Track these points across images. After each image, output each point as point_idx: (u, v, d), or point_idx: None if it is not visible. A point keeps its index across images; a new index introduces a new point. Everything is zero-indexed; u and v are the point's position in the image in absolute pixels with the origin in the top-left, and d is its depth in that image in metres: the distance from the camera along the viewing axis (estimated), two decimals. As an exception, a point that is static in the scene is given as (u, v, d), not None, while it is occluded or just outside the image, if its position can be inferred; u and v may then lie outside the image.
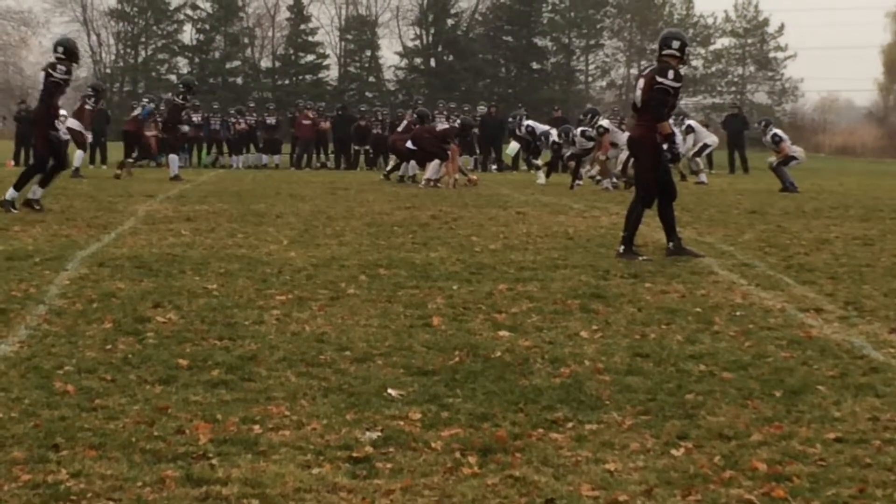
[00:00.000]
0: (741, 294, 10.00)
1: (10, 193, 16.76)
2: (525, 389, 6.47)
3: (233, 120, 40.88)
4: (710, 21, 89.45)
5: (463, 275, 10.81)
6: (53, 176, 17.12)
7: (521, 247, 13.12)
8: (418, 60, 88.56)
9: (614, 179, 25.93)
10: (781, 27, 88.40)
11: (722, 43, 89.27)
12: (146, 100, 35.82)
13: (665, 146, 12.60)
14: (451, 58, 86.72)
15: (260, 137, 40.98)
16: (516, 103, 56.53)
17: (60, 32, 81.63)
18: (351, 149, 40.58)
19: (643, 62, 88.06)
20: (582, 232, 15.00)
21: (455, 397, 6.29)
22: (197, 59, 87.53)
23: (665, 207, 12.62)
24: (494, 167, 38.91)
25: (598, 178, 26.75)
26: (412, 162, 27.99)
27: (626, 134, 26.16)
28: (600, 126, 26.65)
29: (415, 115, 30.71)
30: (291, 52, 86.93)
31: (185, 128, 31.81)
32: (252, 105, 49.05)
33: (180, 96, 28.66)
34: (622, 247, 12.40)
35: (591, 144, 26.94)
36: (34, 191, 16.87)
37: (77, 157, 28.33)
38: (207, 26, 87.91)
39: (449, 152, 26.30)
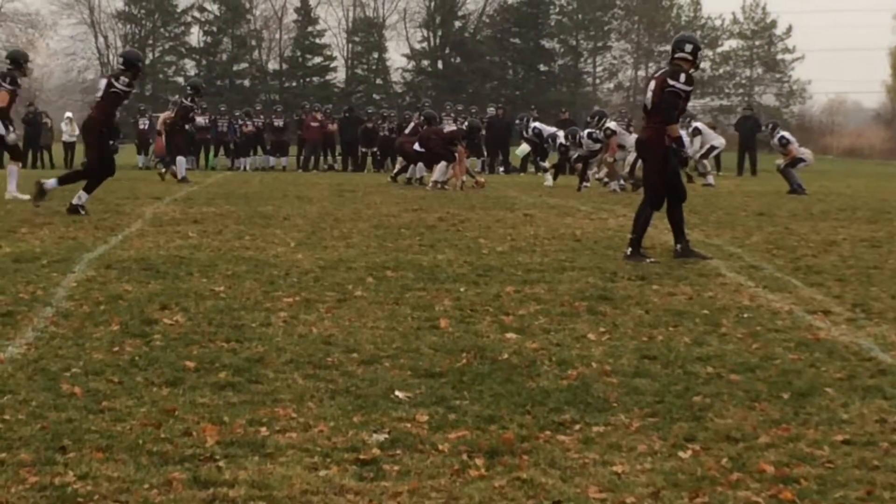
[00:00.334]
0: (749, 296, 9.98)
1: (81, 197, 16.92)
2: (532, 391, 6.47)
3: (240, 122, 40.90)
4: (717, 23, 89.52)
5: (470, 277, 10.80)
6: (99, 182, 17.14)
7: (528, 249, 13.12)
8: (425, 62, 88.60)
9: (622, 181, 25.91)
10: (789, 29, 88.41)
11: (730, 45, 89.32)
12: (178, 97, 35.91)
13: (673, 149, 12.59)
14: (458, 60, 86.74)
15: (267, 139, 40.99)
16: (524, 105, 56.49)
17: (67, 35, 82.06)
18: (358, 151, 40.60)
19: (651, 64, 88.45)
20: (589, 234, 14.99)
21: (462, 399, 6.28)
22: (204, 62, 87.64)
23: (674, 209, 12.61)
24: (502, 169, 38.90)
25: (606, 180, 26.74)
26: (420, 164, 28.00)
27: (634, 136, 26.19)
28: (607, 128, 26.64)
29: (422, 118, 30.72)
30: (299, 54, 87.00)
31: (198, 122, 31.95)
32: (259, 107, 49.02)
33: (189, 98, 28.71)
34: (630, 249, 12.39)
35: (598, 146, 26.94)
36: (79, 196, 17.00)
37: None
38: (215, 28, 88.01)
39: (456, 154, 26.29)
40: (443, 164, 26.06)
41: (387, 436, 5.56)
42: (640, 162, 25.23)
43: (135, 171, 34.71)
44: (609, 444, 5.50)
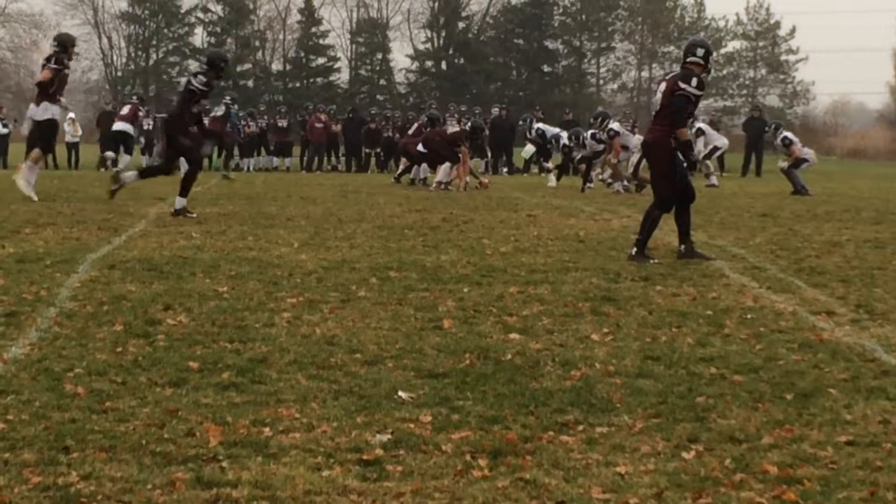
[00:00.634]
0: (752, 297, 9.98)
1: (179, 202, 17.10)
2: (536, 392, 6.47)
3: (243, 123, 40.89)
4: (721, 24, 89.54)
5: (473, 277, 10.80)
6: (191, 182, 17.40)
7: (531, 249, 13.12)
8: (429, 63, 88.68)
9: (625, 182, 25.92)
10: (793, 30, 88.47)
11: (733, 46, 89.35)
12: (228, 98, 35.91)
13: (681, 152, 12.59)
14: (461, 61, 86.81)
15: (271, 140, 41.00)
16: (527, 106, 56.49)
17: (72, 35, 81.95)
18: (362, 152, 40.62)
19: (654, 65, 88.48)
20: (593, 235, 14.99)
21: (465, 400, 6.28)
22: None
23: (682, 210, 12.61)
24: (505, 170, 38.91)
25: (609, 180, 26.74)
26: (423, 165, 28.01)
27: (637, 137, 26.22)
28: (610, 129, 26.63)
29: (425, 119, 30.74)
30: (302, 54, 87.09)
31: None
32: (263, 108, 49.04)
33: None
34: (634, 249, 12.38)
35: (601, 147, 26.94)
36: (177, 201, 17.17)
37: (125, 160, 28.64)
38: (218, 29, 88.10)
39: (460, 155, 26.31)
40: (447, 164, 26.07)
41: (390, 436, 5.56)
42: (643, 163, 25.33)
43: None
44: (612, 444, 5.50)
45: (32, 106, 19.95)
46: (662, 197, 12.61)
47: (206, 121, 19.78)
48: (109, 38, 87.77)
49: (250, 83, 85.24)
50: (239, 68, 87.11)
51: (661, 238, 13.80)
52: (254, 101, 70.27)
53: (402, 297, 9.61)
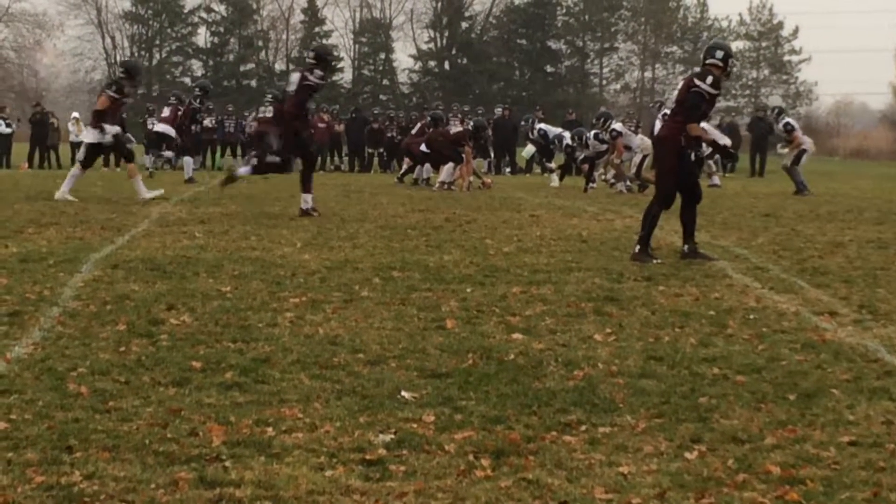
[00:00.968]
0: (755, 297, 9.98)
1: (306, 201, 17.53)
2: (538, 392, 6.47)
3: (243, 123, 40.90)
4: (724, 24, 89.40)
5: (476, 277, 10.80)
6: (309, 178, 17.83)
7: (534, 250, 13.12)
8: (432, 63, 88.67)
9: (628, 182, 25.92)
10: (796, 30, 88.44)
11: (736, 46, 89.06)
12: (270, 96, 35.95)
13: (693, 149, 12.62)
14: (464, 61, 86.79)
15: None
16: (530, 106, 56.47)
17: (74, 35, 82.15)
18: (365, 151, 40.61)
19: (657, 65, 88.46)
20: (596, 235, 14.99)
21: (468, 400, 6.29)
22: (211, 62, 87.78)
23: (687, 210, 12.61)
24: (508, 170, 38.91)
25: (612, 181, 26.74)
26: (426, 165, 28.02)
27: (640, 137, 26.21)
28: (613, 129, 26.61)
29: (428, 118, 30.75)
30: (305, 54, 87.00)
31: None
32: (267, 108, 48.99)
33: (197, 100, 28.80)
34: (638, 247, 12.39)
35: (604, 147, 26.93)
36: (304, 199, 17.54)
37: (186, 162, 28.64)
38: (222, 29, 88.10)
39: (463, 155, 26.31)
40: (450, 165, 26.07)
41: (393, 436, 5.56)
42: (646, 162, 25.33)
43: (141, 172, 34.69)
44: (615, 444, 5.50)
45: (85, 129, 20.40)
46: (664, 193, 12.61)
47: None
48: (113, 38, 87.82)
49: (253, 83, 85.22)
50: (242, 68, 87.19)
51: (664, 238, 13.80)
52: (257, 101, 70.30)
53: (405, 297, 9.62)
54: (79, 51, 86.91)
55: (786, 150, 27.10)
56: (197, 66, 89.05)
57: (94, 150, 20.03)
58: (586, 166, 27.49)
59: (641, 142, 26.12)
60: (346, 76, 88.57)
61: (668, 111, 34.31)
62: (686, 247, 12.54)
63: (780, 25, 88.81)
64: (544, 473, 5.05)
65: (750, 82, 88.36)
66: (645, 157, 25.81)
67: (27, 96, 72.91)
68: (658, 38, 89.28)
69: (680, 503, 4.75)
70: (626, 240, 13.98)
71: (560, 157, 31.89)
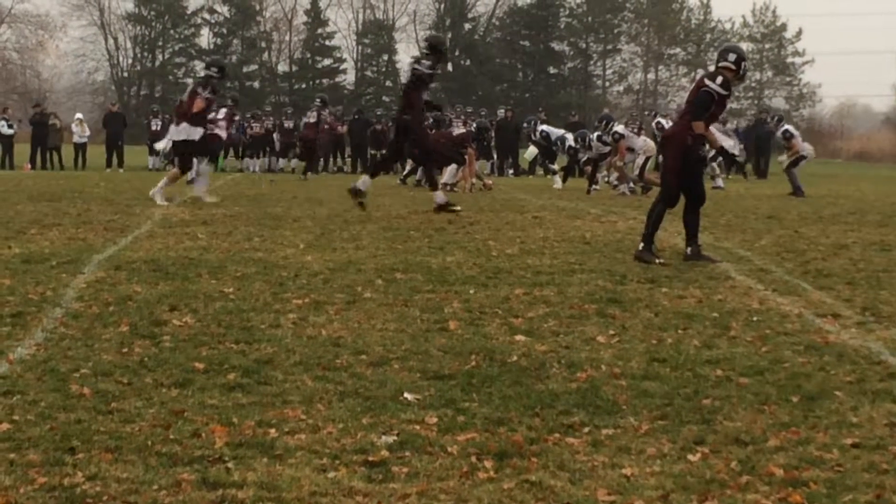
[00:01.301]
0: (758, 299, 9.97)
1: (439, 197, 17.89)
2: (541, 394, 6.47)
3: (244, 124, 40.94)
4: (727, 26, 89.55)
5: (479, 279, 10.80)
6: (434, 175, 18.48)
7: (537, 251, 13.11)
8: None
9: (631, 184, 25.92)
10: (799, 32, 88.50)
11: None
12: (319, 101, 36.04)
13: (725, 152, 12.64)
14: (468, 62, 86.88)
15: (277, 141, 41.01)
16: (533, 108, 56.51)
17: (77, 36, 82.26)
18: (367, 153, 40.61)
19: (660, 67, 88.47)
20: (599, 237, 14.98)
21: (471, 402, 6.28)
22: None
23: (690, 212, 12.62)
24: (511, 172, 38.90)
25: (615, 182, 26.74)
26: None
27: (642, 139, 26.23)
28: (615, 132, 26.62)
29: (431, 120, 30.79)
30: (308, 56, 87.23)
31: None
32: (269, 109, 49.06)
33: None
34: (642, 245, 12.39)
35: (607, 149, 26.94)
36: (436, 195, 17.90)
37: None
38: (225, 30, 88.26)
39: (466, 157, 26.31)
40: (452, 166, 26.07)
41: (395, 438, 5.56)
42: (649, 164, 25.36)
43: (144, 172, 34.75)
44: (618, 446, 5.50)
45: (173, 127, 20.37)
46: (668, 191, 12.64)
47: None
48: (116, 39, 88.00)
49: (256, 84, 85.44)
50: (245, 69, 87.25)
51: (667, 240, 13.80)
52: (260, 102, 70.38)
53: (407, 299, 9.61)
54: (81, 52, 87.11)
55: (784, 157, 27.18)
56: (200, 68, 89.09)
57: (190, 145, 19.99)
58: (589, 168, 27.49)
59: (644, 143, 26.14)
60: (348, 77, 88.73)
61: (661, 120, 34.51)
62: (689, 249, 12.53)
63: (784, 27, 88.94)
64: (547, 475, 5.05)
65: (753, 84, 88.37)
66: (648, 158, 25.83)
67: (30, 97, 72.95)
68: (661, 39, 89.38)
69: (683, 505, 4.75)
70: (629, 242, 13.97)
71: (562, 158, 31.87)
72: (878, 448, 5.52)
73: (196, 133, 19.55)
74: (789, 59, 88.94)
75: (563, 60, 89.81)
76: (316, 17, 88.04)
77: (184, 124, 19.59)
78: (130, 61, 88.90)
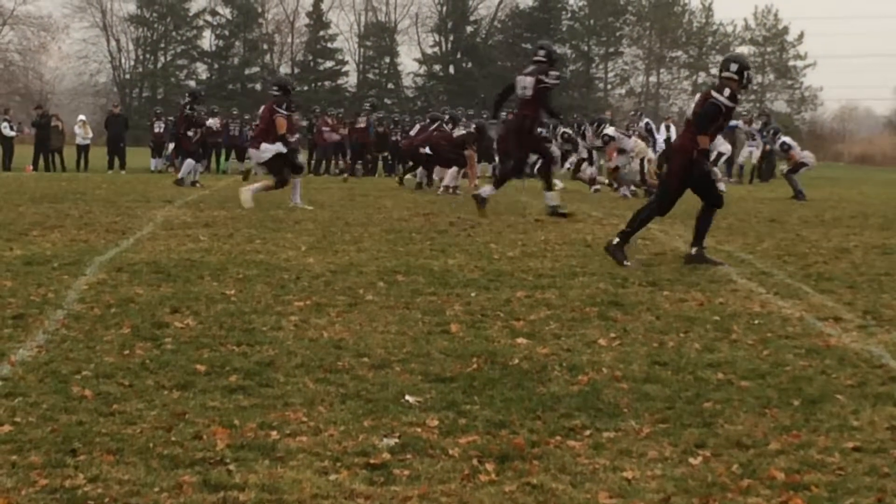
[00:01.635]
0: (759, 303, 9.97)
1: (550, 198, 18.19)
2: (543, 397, 6.47)
3: (247, 127, 40.91)
4: (729, 29, 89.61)
5: (481, 282, 10.80)
6: (550, 175, 18.77)
7: (539, 254, 13.11)
8: (437, 67, 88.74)
9: (632, 188, 25.89)
10: (801, 35, 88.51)
11: (741, 51, 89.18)
12: (368, 105, 36.18)
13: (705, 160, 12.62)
14: (469, 65, 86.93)
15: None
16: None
17: (79, 38, 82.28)
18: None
19: (662, 70, 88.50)
20: (600, 240, 14.94)
21: (473, 404, 6.28)
22: (216, 65, 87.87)
23: (705, 214, 12.62)
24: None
25: (616, 185, 26.72)
26: (422, 167, 28.04)
27: (633, 140, 26.20)
28: (605, 134, 26.62)
29: (427, 120, 30.91)
30: (310, 58, 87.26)
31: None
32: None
33: (187, 106, 28.83)
34: (617, 239, 12.35)
35: (599, 143, 27.09)
36: (547, 196, 18.33)
37: (187, 164, 28.41)
38: (227, 32, 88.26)
39: (467, 159, 26.31)
40: (454, 168, 26.05)
41: (397, 440, 5.56)
42: (647, 167, 25.34)
43: (146, 175, 34.76)
44: (619, 449, 5.50)
45: (251, 151, 20.55)
46: (662, 199, 12.60)
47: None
48: (118, 41, 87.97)
49: (258, 86, 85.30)
50: (247, 71, 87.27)
51: (668, 243, 13.80)
52: (262, 105, 70.35)
53: (409, 301, 9.61)
54: (84, 54, 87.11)
55: (785, 168, 27.29)
56: (202, 70, 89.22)
57: (280, 159, 20.06)
58: (588, 171, 27.50)
59: (635, 144, 26.04)
60: (350, 80, 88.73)
61: (648, 120, 34.57)
62: (694, 249, 12.50)
63: (786, 30, 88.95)
64: (548, 478, 5.05)
65: (755, 87, 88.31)
66: (643, 160, 25.78)
67: (32, 99, 72.86)
68: (663, 42, 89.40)
69: (684, 508, 4.75)
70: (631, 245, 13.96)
71: (570, 159, 31.82)
72: (880, 452, 5.53)
73: (280, 147, 19.68)
74: (791, 63, 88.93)
75: (565, 63, 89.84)
76: (318, 19, 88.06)
77: (265, 145, 19.72)
78: (132, 63, 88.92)
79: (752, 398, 6.52)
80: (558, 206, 17.87)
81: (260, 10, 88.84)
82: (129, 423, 5.75)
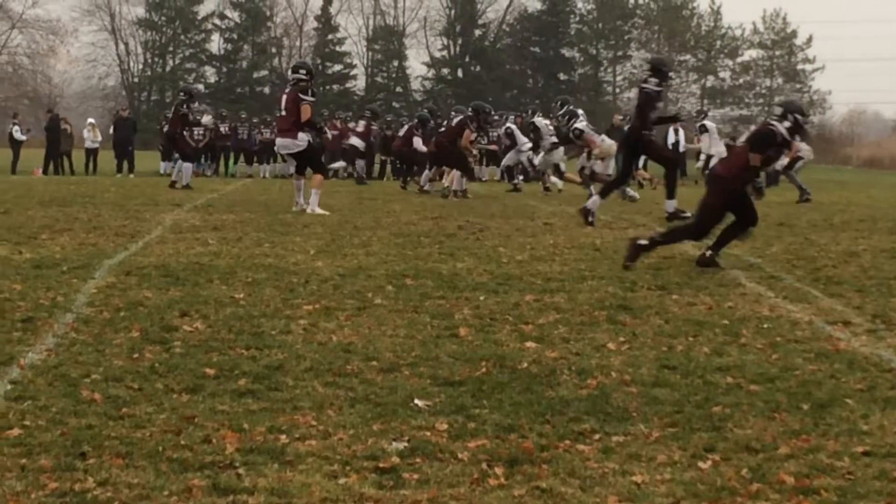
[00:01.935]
0: (768, 306, 9.96)
1: (670, 205, 18.13)
2: (552, 401, 6.47)
3: (255, 130, 40.97)
4: (738, 33, 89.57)
5: (490, 285, 10.80)
6: (675, 182, 18.56)
7: (547, 258, 13.10)
8: (445, 71, 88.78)
9: (633, 192, 25.79)
10: (809, 39, 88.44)
11: (750, 55, 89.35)
12: (368, 112, 36.28)
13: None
14: (478, 68, 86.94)
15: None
16: (544, 114, 56.43)
17: (88, 41, 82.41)
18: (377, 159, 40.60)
19: (670, 74, 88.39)
20: (609, 243, 14.96)
21: (482, 408, 6.28)
22: (224, 69, 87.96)
23: (736, 227, 12.64)
24: (521, 178, 38.83)
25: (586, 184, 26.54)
26: (426, 171, 28.03)
27: (601, 137, 25.79)
28: (575, 129, 25.88)
29: (416, 120, 31.12)
30: (319, 61, 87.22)
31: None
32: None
33: (183, 105, 28.66)
34: (646, 241, 12.39)
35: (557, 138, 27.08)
36: (668, 204, 18.11)
37: (185, 168, 28.28)
38: (235, 36, 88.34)
39: (464, 151, 26.26)
40: (457, 172, 26.00)
41: (406, 444, 5.56)
42: (644, 163, 25.12)
43: (155, 178, 34.79)
44: (628, 453, 5.50)
45: (284, 141, 20.36)
46: (700, 226, 12.57)
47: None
48: (126, 45, 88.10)
49: (266, 90, 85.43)
50: (255, 75, 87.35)
51: (678, 247, 13.76)
52: (270, 108, 70.31)
53: (418, 305, 9.61)
54: (92, 57, 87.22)
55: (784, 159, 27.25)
56: (210, 73, 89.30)
57: (311, 153, 20.09)
58: (588, 172, 27.49)
59: (602, 142, 25.36)
60: (359, 83, 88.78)
61: (619, 117, 34.43)
62: (708, 252, 12.44)
63: (794, 34, 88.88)
64: (557, 482, 5.05)
65: (763, 91, 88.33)
66: (604, 160, 25.37)
67: (41, 102, 73.04)
68: (671, 46, 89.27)
69: (693, 513, 4.75)
70: (639, 248, 13.96)
71: (573, 163, 31.75)
72: (889, 456, 5.52)
73: (309, 136, 19.74)
74: (799, 66, 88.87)
75: (574, 67, 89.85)
76: (326, 22, 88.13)
77: (301, 135, 19.69)
78: (141, 66, 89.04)
79: (761, 402, 6.52)
80: (678, 209, 17.95)
81: (268, 13, 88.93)
82: (138, 427, 5.75)
